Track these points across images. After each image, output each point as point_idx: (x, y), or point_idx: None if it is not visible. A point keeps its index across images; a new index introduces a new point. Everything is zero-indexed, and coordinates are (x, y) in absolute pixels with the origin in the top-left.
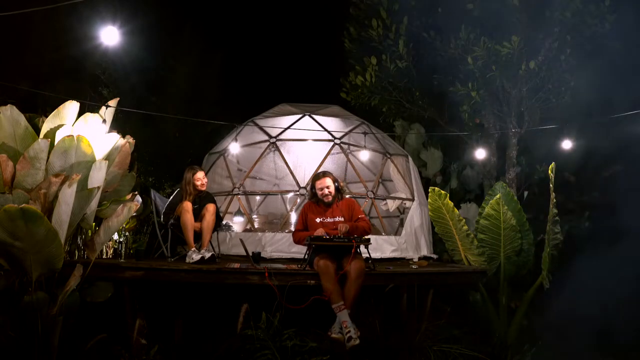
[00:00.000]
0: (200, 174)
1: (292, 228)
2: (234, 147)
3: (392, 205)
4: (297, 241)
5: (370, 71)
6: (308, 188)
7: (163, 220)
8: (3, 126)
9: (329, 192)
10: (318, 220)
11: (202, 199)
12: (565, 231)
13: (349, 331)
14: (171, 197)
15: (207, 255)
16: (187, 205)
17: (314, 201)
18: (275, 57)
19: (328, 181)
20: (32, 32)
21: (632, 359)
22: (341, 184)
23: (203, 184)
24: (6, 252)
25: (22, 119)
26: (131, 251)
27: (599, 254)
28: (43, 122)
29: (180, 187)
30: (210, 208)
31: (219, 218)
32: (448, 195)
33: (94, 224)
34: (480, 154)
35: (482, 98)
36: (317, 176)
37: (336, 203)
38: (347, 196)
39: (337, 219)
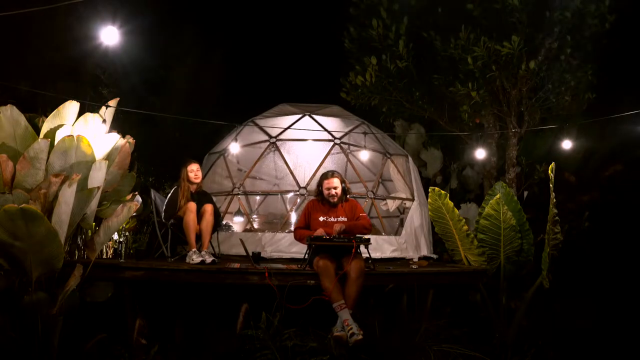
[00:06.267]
0: (193, 166)
1: (292, 228)
2: (234, 147)
3: (392, 205)
4: (297, 238)
5: (370, 71)
6: (314, 186)
7: (164, 218)
8: (3, 126)
9: (336, 192)
10: (321, 219)
11: (200, 197)
12: (565, 231)
13: (351, 328)
14: (169, 194)
15: (208, 260)
16: (192, 206)
17: (318, 199)
18: (275, 57)
19: (336, 182)
20: (32, 32)
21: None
22: (348, 185)
23: (197, 176)
24: (6, 252)
25: (22, 119)
26: (131, 251)
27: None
28: (43, 122)
29: (177, 185)
30: (209, 208)
31: (218, 218)
32: (448, 195)
33: (94, 224)
34: (480, 154)
35: (482, 98)
36: (326, 175)
37: (341, 204)
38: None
39: (340, 219)
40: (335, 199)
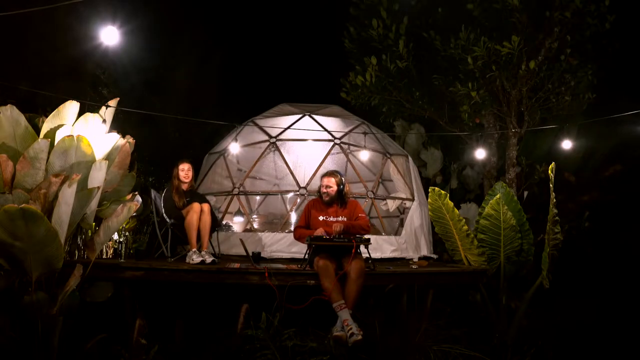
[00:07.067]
0: (183, 165)
1: (292, 228)
2: (234, 147)
3: (392, 205)
4: (297, 237)
5: (370, 71)
6: (315, 186)
7: (165, 213)
8: (3, 126)
9: (328, 191)
10: (321, 218)
11: (192, 196)
12: (565, 231)
13: (351, 328)
14: (163, 193)
15: (208, 260)
16: (196, 207)
17: (318, 197)
18: (275, 57)
19: (332, 181)
20: (32, 32)
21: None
22: (347, 189)
23: (187, 175)
24: (6, 252)
25: (22, 119)
26: (131, 251)
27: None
28: (43, 122)
29: (170, 184)
30: (206, 208)
31: (215, 218)
32: (448, 195)
33: (94, 224)
34: (480, 154)
35: (482, 98)
36: (326, 173)
37: (337, 203)
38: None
39: (339, 218)
40: (327, 198)
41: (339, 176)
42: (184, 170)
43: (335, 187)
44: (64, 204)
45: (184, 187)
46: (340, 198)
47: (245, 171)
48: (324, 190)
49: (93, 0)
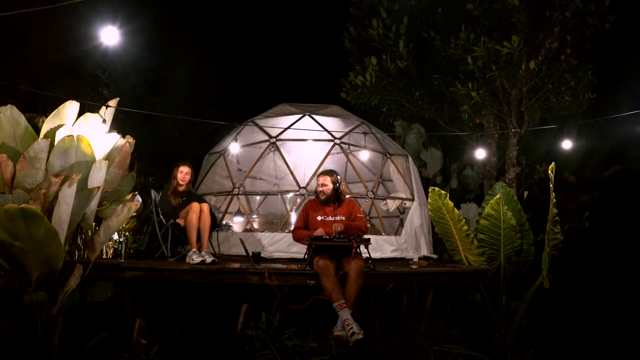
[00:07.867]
0: (183, 168)
1: (292, 228)
2: (234, 147)
3: (392, 205)
4: (296, 239)
5: (370, 71)
6: (315, 186)
7: (162, 215)
8: (3, 126)
9: (323, 190)
10: (319, 218)
11: (189, 197)
12: (565, 231)
13: (352, 327)
14: (160, 194)
15: (208, 260)
16: (196, 207)
17: (315, 197)
18: (275, 57)
19: (327, 180)
20: (32, 32)
21: None
22: (342, 187)
23: (184, 179)
24: (6, 252)
25: (22, 119)
26: (131, 251)
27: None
28: (43, 122)
29: (168, 183)
30: (205, 207)
31: (214, 217)
32: (448, 195)
33: (94, 224)
34: (480, 154)
35: (482, 98)
36: (321, 172)
37: (333, 202)
38: (347, 196)
39: (337, 218)
40: (323, 197)
41: (334, 175)
42: (182, 173)
43: (330, 186)
44: (64, 204)
45: (181, 188)
46: (337, 197)
47: (245, 171)
48: (320, 189)
49: (93, 0)
